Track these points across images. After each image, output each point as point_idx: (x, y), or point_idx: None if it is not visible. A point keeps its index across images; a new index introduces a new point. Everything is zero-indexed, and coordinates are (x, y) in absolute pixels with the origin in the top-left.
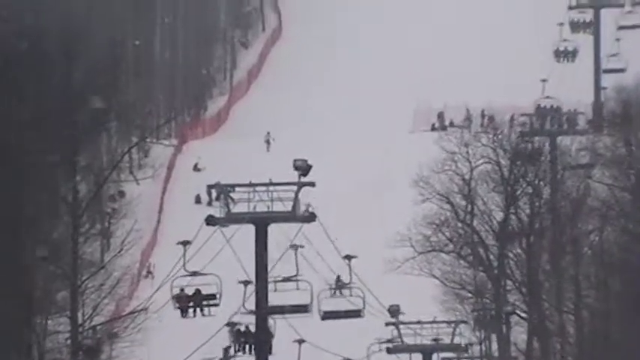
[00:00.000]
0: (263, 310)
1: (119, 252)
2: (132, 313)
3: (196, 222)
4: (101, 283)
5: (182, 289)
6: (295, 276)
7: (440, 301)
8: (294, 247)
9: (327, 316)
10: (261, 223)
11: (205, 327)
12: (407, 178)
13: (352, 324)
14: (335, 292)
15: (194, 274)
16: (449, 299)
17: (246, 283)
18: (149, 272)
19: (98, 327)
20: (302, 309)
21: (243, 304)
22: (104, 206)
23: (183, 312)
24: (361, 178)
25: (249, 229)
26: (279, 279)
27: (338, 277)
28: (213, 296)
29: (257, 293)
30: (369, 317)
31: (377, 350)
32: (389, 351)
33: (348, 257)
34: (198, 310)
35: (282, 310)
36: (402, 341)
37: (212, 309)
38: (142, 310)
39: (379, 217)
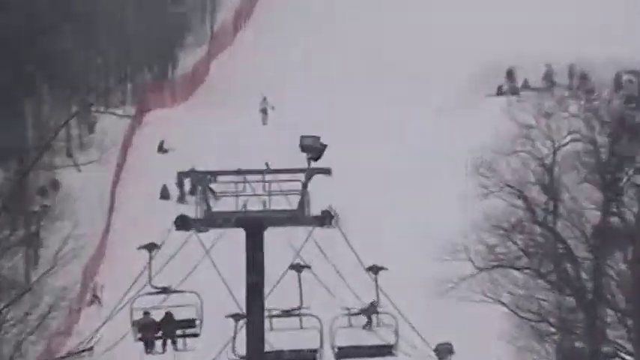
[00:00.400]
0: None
1: (51, 268)
2: (70, 355)
3: (162, 225)
4: (26, 312)
5: (146, 313)
6: (298, 309)
7: (510, 337)
8: (297, 268)
9: (344, 354)
10: (255, 226)
11: None
12: (461, 163)
13: None
14: (352, 320)
15: (164, 291)
16: (522, 335)
17: (237, 317)
18: (95, 297)
19: None
20: (308, 356)
21: (233, 349)
22: (30, 203)
23: (149, 345)
24: (395, 163)
25: (238, 235)
26: (277, 312)
27: (372, 303)
28: (190, 322)
29: (248, 332)
30: None
31: None
32: None
33: (375, 269)
34: (169, 342)
35: (280, 357)
36: None
37: (190, 341)
38: (84, 350)
39: (422, 219)
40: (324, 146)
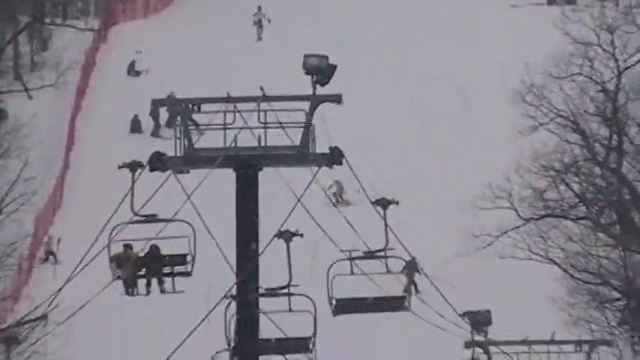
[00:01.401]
0: (249, 345)
1: None
2: (18, 324)
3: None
4: None
5: (127, 246)
6: (287, 286)
7: (562, 304)
8: (286, 235)
9: (344, 308)
10: (248, 167)
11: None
12: (501, 88)
13: (398, 335)
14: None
15: (150, 219)
16: (578, 302)
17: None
18: (50, 253)
19: None
20: (299, 345)
21: (227, 334)
22: None
23: (130, 286)
24: (421, 91)
25: (227, 177)
26: (265, 289)
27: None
28: (181, 258)
29: (239, 309)
30: (434, 331)
31: None
32: None
33: (383, 203)
34: (155, 281)
35: (268, 346)
36: None
37: (179, 281)
38: (37, 319)
39: (455, 159)
40: (334, 67)
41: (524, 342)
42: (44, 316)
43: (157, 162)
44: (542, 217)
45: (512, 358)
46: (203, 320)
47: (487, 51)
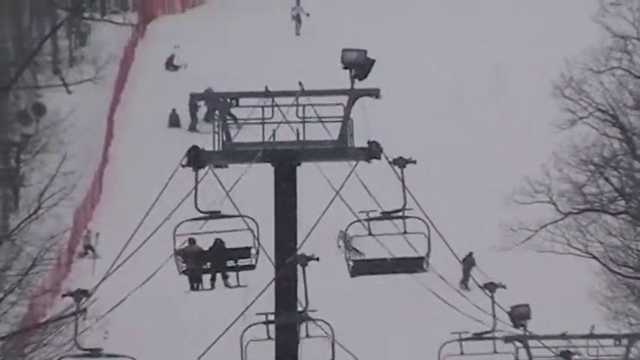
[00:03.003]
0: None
1: (35, 212)
2: (58, 318)
3: (172, 159)
4: (4, 265)
5: (192, 240)
6: (303, 311)
7: (601, 298)
8: (301, 259)
9: (360, 268)
10: (286, 161)
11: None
12: (540, 82)
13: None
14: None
15: (213, 215)
16: (617, 296)
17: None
18: (89, 248)
19: None
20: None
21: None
22: (8, 132)
23: (194, 281)
24: (458, 81)
25: (265, 172)
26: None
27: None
28: (245, 252)
29: (277, 293)
30: (472, 324)
31: None
32: None
33: (401, 162)
34: (219, 276)
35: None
36: None
37: (244, 275)
38: (76, 312)
39: (493, 152)
40: (372, 61)
41: (563, 336)
42: (83, 310)
43: (196, 156)
44: (582, 211)
45: (552, 352)
46: (239, 317)
47: (526, 44)
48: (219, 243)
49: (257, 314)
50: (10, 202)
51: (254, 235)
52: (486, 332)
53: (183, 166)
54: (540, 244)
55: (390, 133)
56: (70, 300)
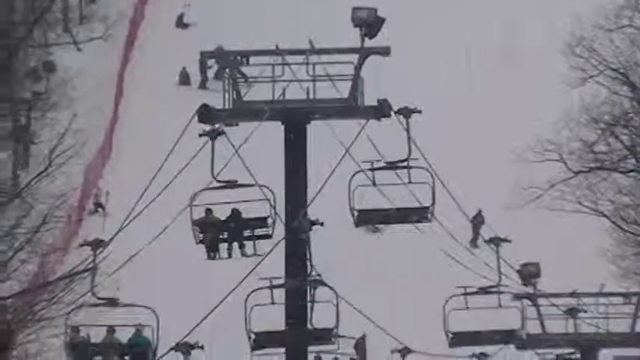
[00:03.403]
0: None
1: (46, 169)
2: (69, 275)
3: (182, 117)
4: (14, 223)
5: (209, 210)
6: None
7: (611, 256)
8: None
9: (365, 217)
10: (296, 119)
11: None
12: (551, 40)
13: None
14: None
15: (230, 184)
16: (628, 254)
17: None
18: (99, 205)
19: (9, 300)
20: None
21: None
22: (18, 89)
23: (212, 250)
24: (475, 40)
25: (275, 130)
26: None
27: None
28: (262, 222)
29: (287, 252)
30: (481, 281)
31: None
32: (518, 346)
33: (406, 112)
34: (235, 245)
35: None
36: (544, 328)
37: (260, 244)
38: (86, 270)
39: (500, 111)
40: (382, 20)
41: (573, 294)
42: (94, 268)
43: (206, 114)
44: (592, 169)
45: (567, 312)
46: (245, 278)
47: (537, 2)
48: (236, 213)
49: (260, 279)
50: (20, 159)
51: (271, 205)
52: (492, 287)
53: (200, 135)
54: (550, 202)
55: (401, 93)
56: (80, 257)
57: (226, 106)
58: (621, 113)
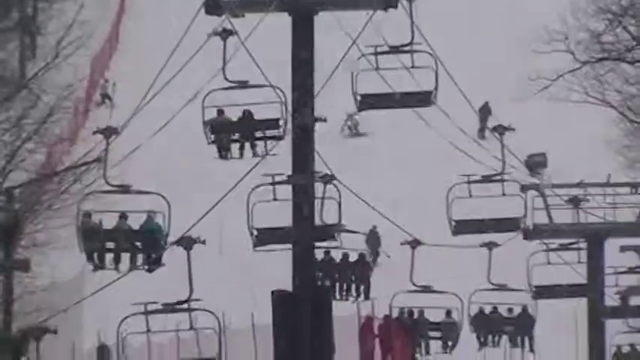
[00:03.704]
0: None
1: (52, 61)
2: (75, 166)
3: (189, 8)
4: (21, 114)
5: (220, 111)
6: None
7: (618, 146)
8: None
9: (368, 102)
10: (303, 10)
11: None
12: None
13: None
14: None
15: (242, 85)
16: (635, 144)
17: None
18: (105, 96)
19: (17, 190)
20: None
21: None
22: None
23: (223, 149)
24: None
25: (283, 23)
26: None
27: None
28: (274, 123)
29: (294, 150)
30: (488, 172)
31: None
32: (526, 235)
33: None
34: (247, 145)
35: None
36: (550, 218)
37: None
38: (93, 161)
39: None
40: None
41: (579, 185)
42: (99, 159)
43: (213, 5)
44: (599, 59)
45: (572, 202)
46: (248, 173)
47: None
48: (247, 114)
49: (263, 175)
50: (27, 50)
51: (283, 106)
52: (495, 175)
53: (210, 35)
54: (557, 93)
55: None
56: (85, 148)
57: None
58: (629, 3)
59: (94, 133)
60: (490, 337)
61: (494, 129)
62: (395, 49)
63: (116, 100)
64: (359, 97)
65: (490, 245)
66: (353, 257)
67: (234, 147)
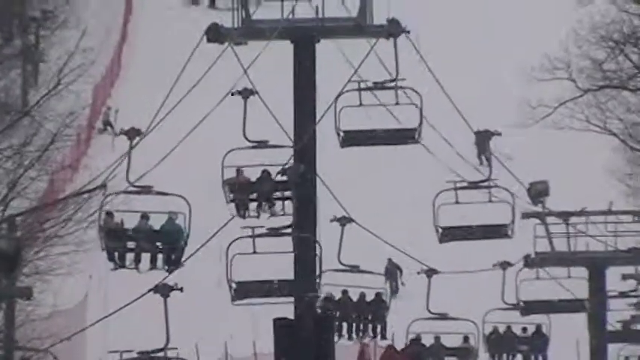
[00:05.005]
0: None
1: (55, 87)
2: (78, 193)
3: (191, 35)
4: (24, 141)
5: (239, 171)
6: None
7: (620, 174)
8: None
9: (351, 138)
10: (305, 38)
11: None
12: None
13: None
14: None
15: (260, 145)
16: (636, 172)
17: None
18: (107, 123)
19: (19, 218)
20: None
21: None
22: (28, 7)
23: (241, 208)
24: None
25: (284, 49)
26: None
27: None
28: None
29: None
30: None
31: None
32: (527, 263)
33: (393, 29)
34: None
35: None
36: (552, 245)
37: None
38: (96, 188)
39: (508, 28)
40: None
41: (581, 212)
42: (103, 186)
43: (215, 34)
44: (601, 87)
45: (574, 229)
46: (229, 220)
47: None
48: (265, 174)
49: (242, 227)
50: (29, 78)
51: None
52: (483, 181)
53: (232, 94)
54: (559, 121)
55: (411, 11)
56: (88, 175)
57: (235, 25)
58: (630, 31)
59: (117, 134)
60: (505, 357)
61: (479, 133)
62: (379, 85)
63: (118, 127)
64: (342, 134)
65: (504, 265)
66: (370, 296)
67: (253, 206)
